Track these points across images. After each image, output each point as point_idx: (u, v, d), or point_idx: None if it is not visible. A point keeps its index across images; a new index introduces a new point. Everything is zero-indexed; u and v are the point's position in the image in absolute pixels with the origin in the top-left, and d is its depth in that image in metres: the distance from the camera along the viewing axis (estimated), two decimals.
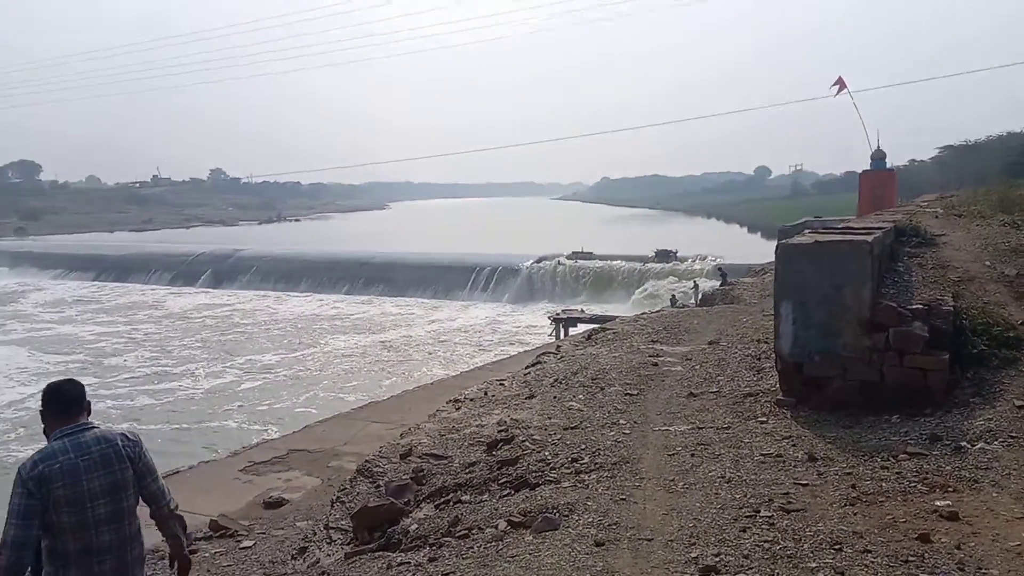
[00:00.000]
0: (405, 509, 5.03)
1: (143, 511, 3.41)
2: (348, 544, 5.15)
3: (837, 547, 3.34)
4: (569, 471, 4.69)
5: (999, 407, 4.79)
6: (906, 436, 4.65)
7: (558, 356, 8.57)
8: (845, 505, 3.78)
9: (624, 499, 4.08)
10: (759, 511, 3.75)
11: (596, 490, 4.27)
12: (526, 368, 8.55)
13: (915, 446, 4.46)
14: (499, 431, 5.81)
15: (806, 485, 4.06)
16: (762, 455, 4.55)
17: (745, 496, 3.96)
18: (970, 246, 7.57)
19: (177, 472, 10.58)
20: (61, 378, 3.45)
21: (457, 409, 7.08)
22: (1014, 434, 4.42)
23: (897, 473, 4.12)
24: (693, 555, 3.37)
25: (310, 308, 41.71)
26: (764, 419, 5.27)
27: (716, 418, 5.43)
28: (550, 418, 5.87)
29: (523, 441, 5.40)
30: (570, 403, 6.24)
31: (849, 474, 4.17)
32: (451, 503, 4.84)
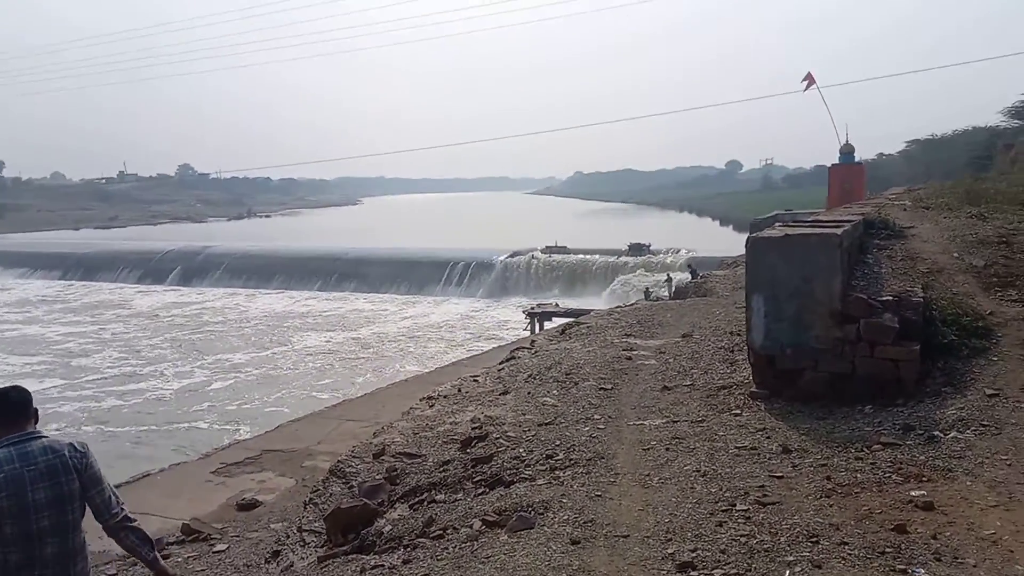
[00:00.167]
0: (379, 510, 4.95)
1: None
2: (322, 547, 5.07)
3: (814, 540, 3.33)
4: (544, 468, 4.65)
5: (970, 396, 4.83)
6: (879, 426, 4.67)
7: (532, 351, 8.53)
8: (821, 497, 3.77)
9: (599, 495, 4.05)
10: (735, 505, 3.74)
11: (571, 487, 4.22)
12: (500, 364, 8.50)
13: (889, 436, 4.48)
14: (473, 428, 5.75)
15: (781, 477, 4.05)
16: (737, 448, 4.54)
17: (721, 490, 3.94)
18: (938, 238, 7.65)
19: (147, 475, 10.39)
20: (7, 384, 3.31)
21: (431, 406, 7.01)
22: (985, 422, 4.46)
23: (871, 464, 4.13)
24: (670, 551, 3.34)
25: (281, 305, 41.27)
26: (738, 412, 5.27)
27: (690, 411, 5.42)
28: (524, 414, 5.82)
29: (497, 438, 5.35)
30: (544, 399, 6.19)
31: (824, 465, 4.17)
32: (425, 503, 4.77)
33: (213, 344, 31.18)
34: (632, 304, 12.77)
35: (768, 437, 4.69)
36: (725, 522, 3.56)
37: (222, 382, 24.57)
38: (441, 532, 4.07)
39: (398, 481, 5.32)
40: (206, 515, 8.22)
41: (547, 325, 26.85)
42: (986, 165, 28.46)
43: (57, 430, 18.53)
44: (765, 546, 3.30)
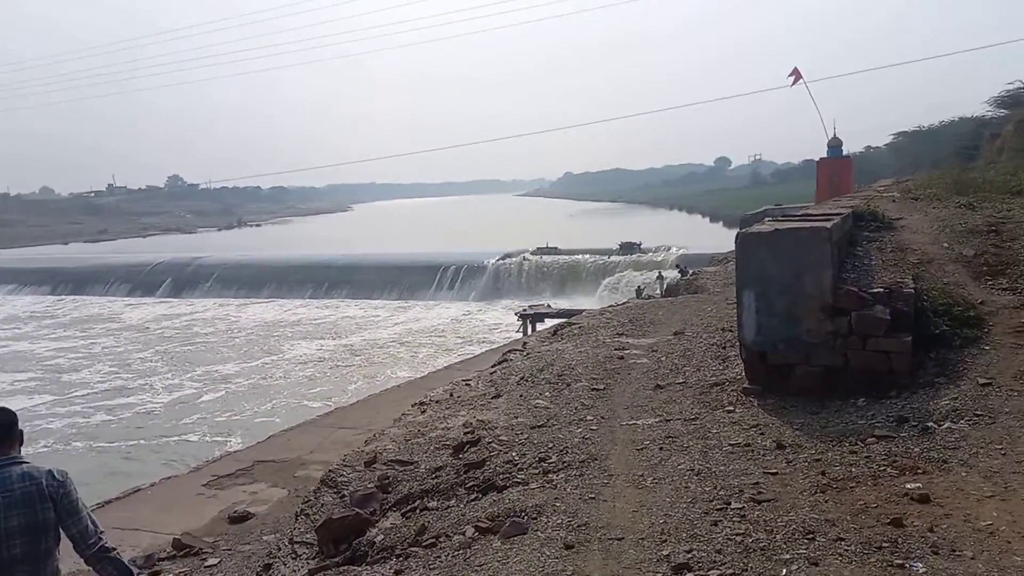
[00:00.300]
0: (371, 519, 4.88)
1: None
2: (314, 558, 4.99)
3: (810, 536, 3.28)
4: (537, 471, 4.59)
5: (963, 386, 4.80)
6: (873, 419, 4.64)
7: (524, 353, 8.47)
8: (816, 492, 3.73)
9: (593, 498, 3.99)
10: (730, 503, 3.69)
11: (564, 490, 4.17)
12: (492, 367, 8.44)
13: (882, 429, 4.45)
14: (465, 433, 5.69)
15: (776, 474, 4.01)
16: (730, 445, 4.49)
17: (715, 488, 3.89)
18: (928, 228, 7.64)
19: (138, 490, 10.28)
20: None
21: (423, 412, 6.94)
22: (979, 412, 4.43)
23: (866, 457, 4.09)
24: (665, 553, 3.29)
25: (272, 314, 41.03)
26: (731, 408, 5.23)
27: (683, 409, 5.38)
28: (516, 417, 5.76)
29: (490, 442, 5.29)
30: (536, 401, 6.14)
31: (818, 460, 4.13)
32: (418, 511, 4.71)
33: (204, 355, 30.95)
34: (624, 303, 12.73)
35: (761, 433, 4.64)
36: (720, 521, 3.51)
37: (213, 393, 24.38)
38: (434, 540, 4.01)
39: (390, 489, 5.26)
40: (197, 529, 8.13)
41: (540, 327, 26.78)
42: (973, 155, 28.56)
43: (45, 447, 18.36)
44: (761, 545, 3.25)
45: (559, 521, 3.76)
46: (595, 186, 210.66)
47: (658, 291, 24.73)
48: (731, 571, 3.07)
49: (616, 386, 6.28)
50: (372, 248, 56.64)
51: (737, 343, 6.03)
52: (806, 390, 5.25)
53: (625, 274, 40.48)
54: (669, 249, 43.40)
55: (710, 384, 5.90)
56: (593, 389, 6.23)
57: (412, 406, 7.42)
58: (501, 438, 5.32)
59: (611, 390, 6.17)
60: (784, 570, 3.04)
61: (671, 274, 29.60)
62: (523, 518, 3.89)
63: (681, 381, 6.13)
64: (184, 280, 50.68)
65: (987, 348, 5.23)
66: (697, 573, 3.10)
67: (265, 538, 7.35)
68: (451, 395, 7.29)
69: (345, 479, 5.83)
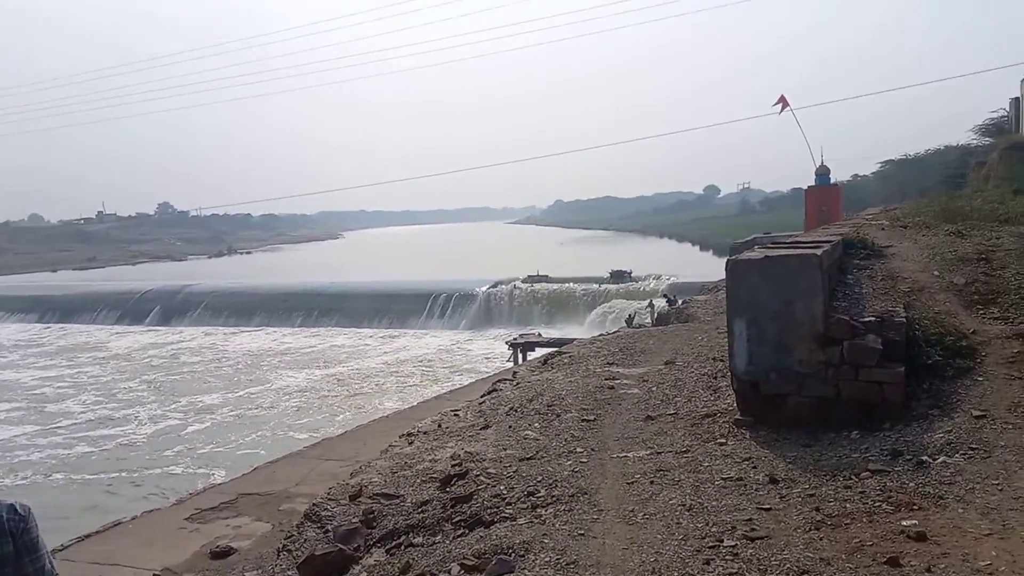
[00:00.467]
0: (354, 556, 4.75)
1: None
2: None
3: None
4: (525, 506, 4.47)
5: (957, 418, 4.73)
6: (867, 452, 4.56)
7: (514, 383, 8.36)
8: (810, 529, 3.63)
9: (583, 534, 3.88)
10: (722, 540, 3.59)
11: (553, 525, 4.06)
12: (481, 397, 8.31)
13: (876, 463, 4.36)
14: (453, 465, 5.56)
15: (769, 510, 3.91)
16: (723, 479, 4.40)
17: (707, 524, 3.79)
18: (918, 256, 7.63)
19: (118, 523, 10.00)
20: None
21: (410, 443, 6.80)
22: (974, 445, 4.36)
23: (860, 492, 4.01)
24: None
25: (260, 343, 40.69)
26: (723, 440, 5.14)
27: (674, 441, 5.28)
28: (505, 449, 5.65)
29: (477, 475, 5.17)
30: (526, 432, 6.02)
31: (812, 496, 4.04)
32: (403, 547, 4.57)
33: (190, 385, 30.59)
34: (614, 332, 12.65)
35: (754, 467, 4.55)
36: (712, 559, 3.41)
37: (198, 424, 24.03)
38: None
39: (375, 524, 5.12)
40: (178, 564, 7.91)
41: (530, 355, 26.63)
42: (960, 183, 28.83)
43: (24, 480, 17.96)
44: None
45: (547, 559, 3.65)
46: (585, 214, 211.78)
47: (649, 320, 24.66)
48: None
49: (606, 417, 6.18)
50: (362, 276, 56.48)
51: (728, 373, 5.95)
52: (798, 421, 5.17)
53: (615, 302, 40.44)
54: (659, 277, 43.44)
55: (701, 415, 5.81)
56: (583, 420, 6.12)
57: (399, 437, 7.28)
58: (489, 471, 5.20)
59: (601, 421, 6.06)
60: None
61: (662, 302, 29.58)
62: (510, 555, 3.77)
63: (672, 412, 6.04)
64: (173, 308, 50.30)
65: (980, 379, 5.18)
66: None
67: (247, 574, 7.15)
68: (439, 426, 7.16)
69: (329, 513, 5.68)
